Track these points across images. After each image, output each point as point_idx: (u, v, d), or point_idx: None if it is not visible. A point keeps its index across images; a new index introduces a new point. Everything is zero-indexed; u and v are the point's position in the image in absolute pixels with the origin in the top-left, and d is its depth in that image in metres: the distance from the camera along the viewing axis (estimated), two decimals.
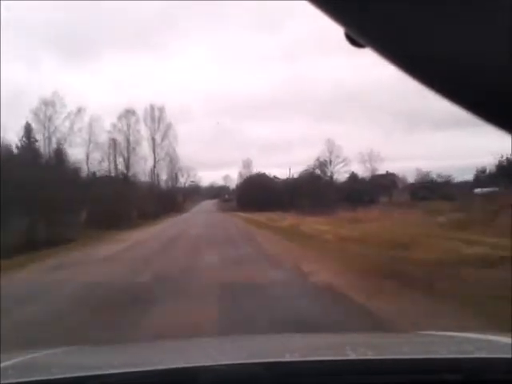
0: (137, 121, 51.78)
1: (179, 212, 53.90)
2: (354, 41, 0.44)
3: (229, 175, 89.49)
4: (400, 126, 71.21)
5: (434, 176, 47.63)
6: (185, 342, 2.50)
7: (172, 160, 59.36)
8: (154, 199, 44.04)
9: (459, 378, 1.15)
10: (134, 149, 50.77)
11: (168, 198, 50.62)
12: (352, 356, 1.34)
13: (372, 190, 50.01)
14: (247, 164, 69.44)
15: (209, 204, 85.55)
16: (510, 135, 0.43)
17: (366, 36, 0.43)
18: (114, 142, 49.34)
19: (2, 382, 1.15)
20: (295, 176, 54.17)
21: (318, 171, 57.61)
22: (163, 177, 61.18)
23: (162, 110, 55.17)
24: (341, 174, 54.40)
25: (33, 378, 1.25)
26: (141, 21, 61.44)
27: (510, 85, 0.39)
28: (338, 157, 55.23)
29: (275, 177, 54.39)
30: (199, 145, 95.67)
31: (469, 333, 1.94)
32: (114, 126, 50.90)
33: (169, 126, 55.89)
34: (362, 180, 55.40)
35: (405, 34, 0.41)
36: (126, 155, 50.47)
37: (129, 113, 51.98)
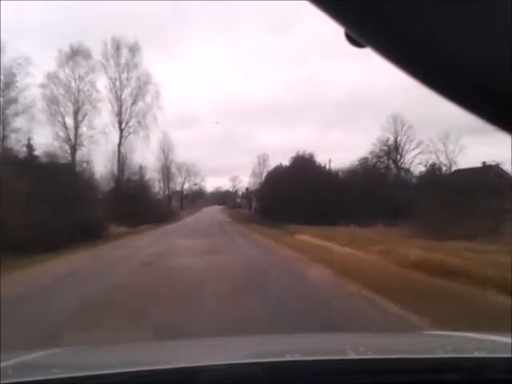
0: (92, 68, 26.39)
1: (157, 226, 27.30)
2: (354, 41, 0.47)
3: (238, 176, 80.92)
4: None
5: None
6: (184, 341, 2.72)
7: (152, 139, 36.15)
8: (107, 203, 26.98)
9: (459, 378, 1.18)
10: (85, 115, 25.75)
11: (141, 202, 24.07)
12: (352, 356, 1.41)
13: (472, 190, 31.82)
14: (263, 160, 54.89)
15: (214, 211, 70.59)
16: (510, 135, 0.46)
17: (366, 36, 0.46)
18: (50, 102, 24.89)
19: (2, 381, 1.20)
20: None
21: (385, 160, 38.30)
22: (143, 168, 36.55)
23: (134, 49, 30.62)
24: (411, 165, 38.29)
25: (33, 378, 1.31)
26: (149, 20, 58.15)
27: (510, 84, 0.42)
28: (409, 140, 37.86)
29: None
30: (204, 149, 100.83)
31: (469, 332, 1.95)
32: (52, 75, 24.93)
33: (146, 78, 30.85)
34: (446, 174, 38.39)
35: (405, 34, 0.44)
36: (72, 125, 25.19)
37: (78, 54, 26.87)
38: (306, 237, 19.73)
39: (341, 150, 75.36)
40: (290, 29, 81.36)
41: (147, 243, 19.32)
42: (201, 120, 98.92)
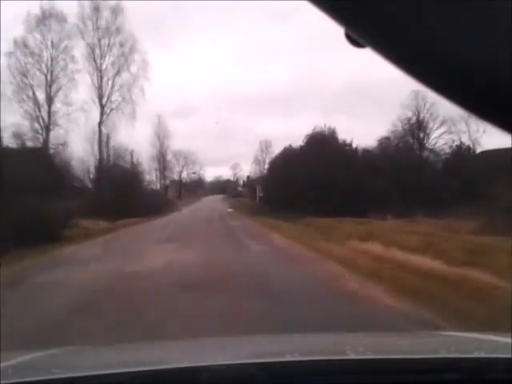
0: (67, 34, 20.94)
1: (147, 219, 22.22)
2: (354, 41, 0.48)
3: (239, 164, 78.12)
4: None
5: None
6: (184, 341, 2.77)
7: (147, 125, 33.72)
8: (89, 193, 24.85)
9: (459, 378, 1.17)
10: (59, 89, 20.39)
11: (130, 192, 18.65)
12: (351, 356, 1.39)
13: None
14: (266, 146, 50.63)
15: (214, 201, 64.75)
16: (510, 135, 0.47)
17: (366, 36, 0.47)
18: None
19: (2, 382, 1.20)
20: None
21: (410, 139, 32.82)
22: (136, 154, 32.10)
23: (115, 10, 25.11)
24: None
25: (33, 378, 1.30)
26: (147, 9, 57.51)
27: (510, 85, 0.44)
28: (432, 118, 31.75)
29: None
30: (203, 139, 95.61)
31: (469, 333, 2.04)
32: (19, 42, 19.13)
33: (132, 44, 25.46)
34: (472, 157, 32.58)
35: (405, 34, 0.45)
36: (44, 101, 19.56)
37: (50, 18, 21.50)
38: (357, 242, 12.07)
39: (346, 138, 72.19)
40: (290, 20, 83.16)
41: (102, 254, 12.29)
42: (199, 109, 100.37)
